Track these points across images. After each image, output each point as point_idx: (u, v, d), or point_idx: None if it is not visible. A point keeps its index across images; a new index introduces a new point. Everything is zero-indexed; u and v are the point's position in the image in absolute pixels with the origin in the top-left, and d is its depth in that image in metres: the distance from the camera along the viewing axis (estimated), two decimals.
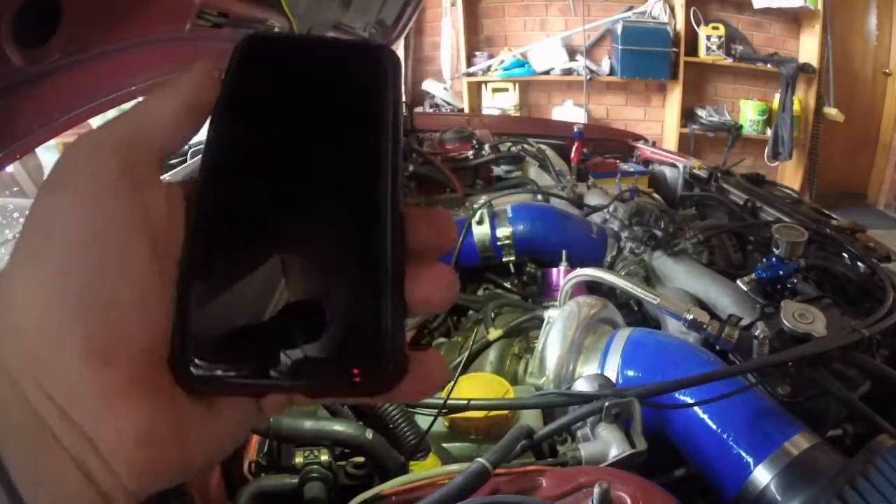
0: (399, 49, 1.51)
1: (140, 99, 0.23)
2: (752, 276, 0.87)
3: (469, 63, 3.80)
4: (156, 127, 0.22)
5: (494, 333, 0.73)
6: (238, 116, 0.23)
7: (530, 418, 0.63)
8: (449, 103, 3.77)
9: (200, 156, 0.23)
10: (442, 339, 0.90)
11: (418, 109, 3.47)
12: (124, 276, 0.19)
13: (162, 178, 0.22)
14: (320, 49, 0.24)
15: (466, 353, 0.69)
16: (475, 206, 0.99)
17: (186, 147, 1.10)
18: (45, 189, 0.20)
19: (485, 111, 3.67)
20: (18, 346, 0.18)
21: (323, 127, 0.23)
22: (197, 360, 0.19)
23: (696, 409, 0.61)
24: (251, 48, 0.23)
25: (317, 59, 0.24)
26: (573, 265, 0.97)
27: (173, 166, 0.99)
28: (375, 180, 0.22)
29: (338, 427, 0.57)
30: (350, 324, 0.20)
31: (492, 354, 0.72)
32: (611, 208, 1.14)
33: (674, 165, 1.51)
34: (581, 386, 0.60)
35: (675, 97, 3.60)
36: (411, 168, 1.29)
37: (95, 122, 0.63)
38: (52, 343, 0.18)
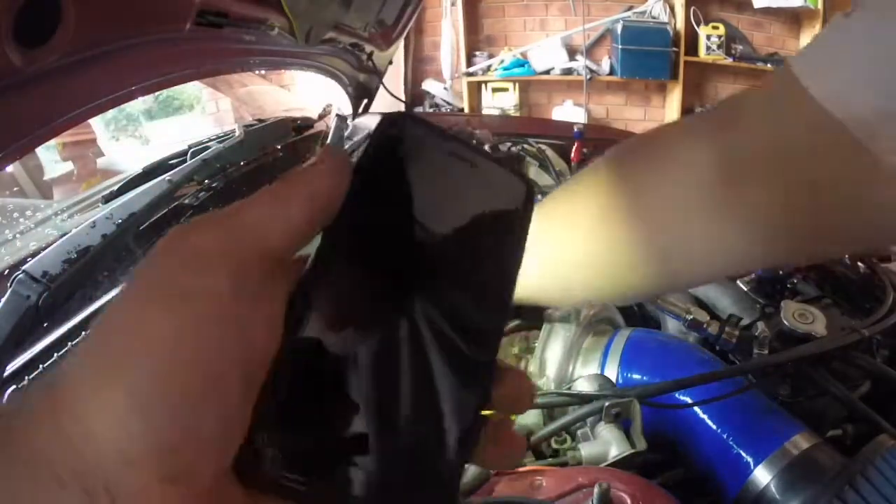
0: (399, 49, 1.51)
1: (256, 194, 0.20)
2: (752, 276, 0.87)
3: (469, 63, 3.80)
4: (277, 235, 0.20)
5: None
6: (360, 225, 0.21)
7: (530, 418, 0.63)
8: (449, 103, 3.77)
9: (310, 261, 0.21)
10: None
11: (418, 109, 3.47)
12: (212, 410, 0.18)
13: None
14: (459, 152, 0.22)
15: None
16: None
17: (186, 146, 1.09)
18: (132, 297, 0.18)
19: (485, 111, 3.67)
20: (89, 459, 0.17)
21: (449, 264, 0.21)
22: (269, 460, 0.19)
23: (696, 409, 0.61)
24: (392, 131, 0.21)
25: (451, 163, 0.21)
26: None
27: (174, 165, 0.99)
28: (483, 339, 0.21)
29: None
30: (410, 468, 0.20)
31: None
32: None
33: None
34: (581, 386, 0.60)
35: (675, 97, 3.60)
36: None
37: (96, 121, 0.63)
38: (125, 464, 0.17)
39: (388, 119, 0.21)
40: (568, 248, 0.52)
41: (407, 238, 0.21)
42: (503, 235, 0.21)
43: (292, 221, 0.20)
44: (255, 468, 0.19)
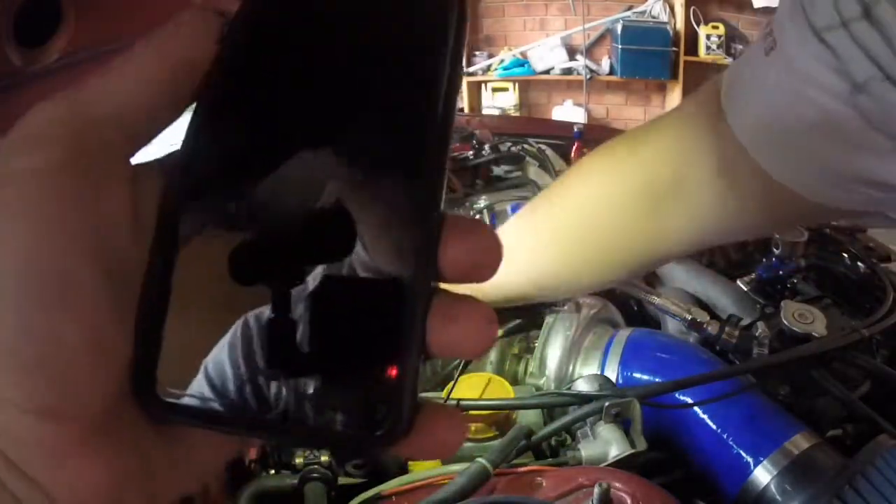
0: None
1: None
2: (752, 276, 0.87)
3: (469, 63, 3.80)
4: (123, 101, 0.17)
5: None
6: (247, 66, 0.17)
7: (530, 418, 0.63)
8: None
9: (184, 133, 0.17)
10: None
11: None
12: (68, 312, 0.15)
13: (132, 163, 0.17)
14: None
15: None
16: (475, 206, 0.99)
17: None
18: None
19: (484, 111, 3.67)
20: None
21: (356, 92, 0.17)
22: (168, 386, 0.16)
23: (696, 409, 0.61)
24: None
25: None
26: None
27: None
28: (417, 171, 0.17)
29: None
30: (351, 365, 0.17)
31: (492, 354, 0.71)
32: None
33: None
34: (581, 386, 0.60)
35: (675, 97, 3.60)
36: None
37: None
38: None
39: None
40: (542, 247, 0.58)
41: (305, 89, 0.17)
42: (433, 56, 0.17)
43: (142, 92, 0.17)
44: (151, 397, 0.16)
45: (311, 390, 0.16)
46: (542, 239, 0.59)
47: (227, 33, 0.18)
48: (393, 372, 0.16)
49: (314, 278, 0.17)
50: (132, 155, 0.17)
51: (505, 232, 0.64)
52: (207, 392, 0.17)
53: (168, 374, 0.16)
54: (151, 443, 0.17)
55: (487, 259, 0.17)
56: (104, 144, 0.16)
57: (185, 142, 0.17)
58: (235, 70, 0.17)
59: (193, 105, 0.17)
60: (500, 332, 0.73)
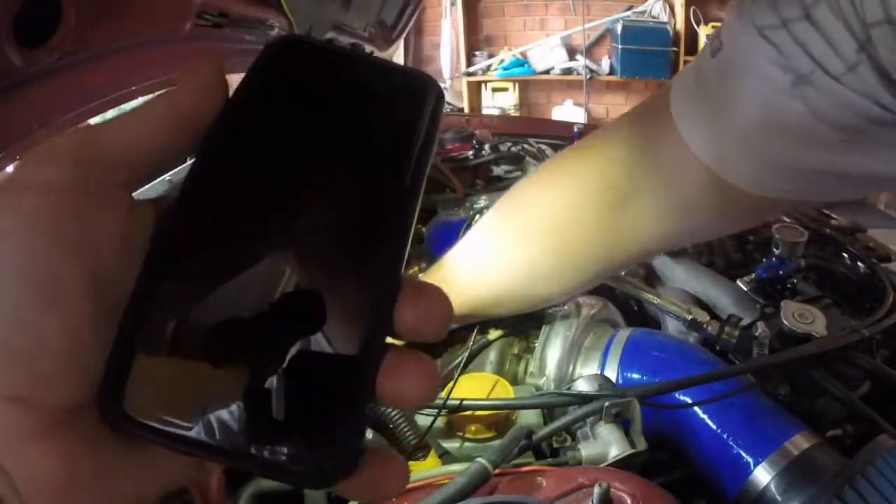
0: (399, 49, 1.51)
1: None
2: (752, 276, 0.87)
3: (469, 63, 3.80)
4: (130, 139, 0.19)
5: (494, 333, 0.73)
6: (242, 130, 0.20)
7: (530, 418, 0.63)
8: (449, 103, 3.77)
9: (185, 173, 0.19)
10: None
11: None
12: (54, 314, 0.16)
13: (132, 195, 0.19)
14: (356, 65, 0.21)
15: (466, 353, 0.69)
16: (475, 206, 0.99)
17: None
18: None
19: (485, 111, 3.67)
20: None
21: (336, 160, 0.20)
22: (131, 401, 0.17)
23: (696, 409, 0.61)
24: (279, 52, 0.20)
25: (349, 77, 0.21)
26: None
27: None
28: (379, 241, 0.19)
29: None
30: (303, 400, 0.18)
31: (492, 354, 0.71)
32: None
33: None
34: (581, 386, 0.60)
35: None
36: None
37: (95, 122, 0.63)
38: None
39: (274, 40, 0.21)
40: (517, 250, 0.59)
41: (296, 159, 0.19)
42: (415, 133, 0.20)
43: (149, 133, 0.19)
44: (113, 406, 0.17)
45: (270, 429, 0.18)
46: (501, 247, 0.60)
47: (231, 97, 0.20)
48: (343, 420, 0.18)
49: (282, 338, 0.19)
50: (133, 188, 0.19)
51: (468, 242, 0.64)
52: (169, 410, 0.18)
53: (140, 392, 0.17)
54: (113, 447, 0.18)
55: (437, 321, 0.20)
56: (108, 173, 0.18)
57: (182, 188, 0.19)
58: (230, 134, 0.19)
59: (193, 157, 0.19)
60: (500, 332, 0.73)
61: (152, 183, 0.80)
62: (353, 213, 0.20)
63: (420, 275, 0.78)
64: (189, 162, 0.20)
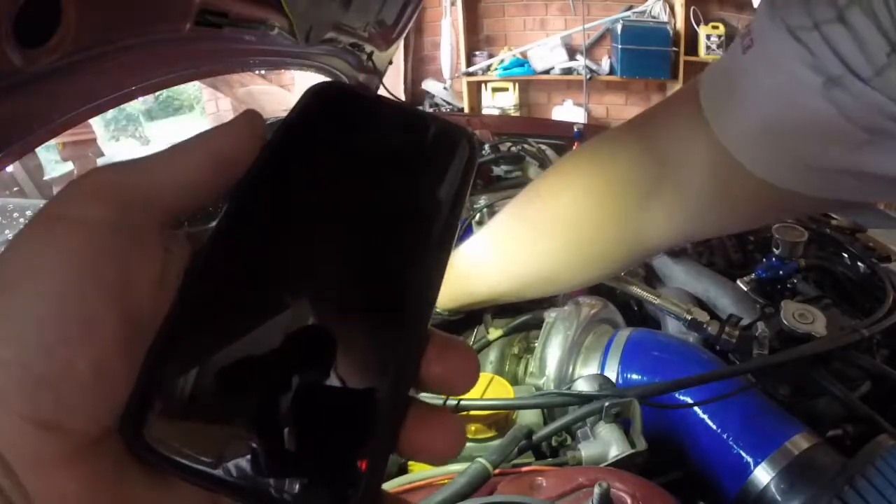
0: (399, 49, 1.51)
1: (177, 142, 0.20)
2: (752, 276, 0.87)
3: (469, 63, 3.80)
4: (169, 180, 0.19)
5: (494, 333, 0.73)
6: (276, 174, 0.20)
7: (530, 418, 0.63)
8: (449, 103, 3.77)
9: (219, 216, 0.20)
10: None
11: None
12: (85, 346, 0.17)
13: (167, 232, 0.20)
14: (393, 115, 0.21)
15: None
16: (475, 206, 0.99)
17: None
18: (29, 226, 0.18)
19: (485, 111, 3.67)
20: None
21: (368, 209, 0.20)
22: (153, 432, 0.18)
23: (695, 409, 0.61)
24: (319, 99, 0.21)
25: (387, 127, 0.21)
26: None
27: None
28: (407, 297, 0.19)
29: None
30: (324, 450, 0.19)
31: (492, 354, 0.71)
32: None
33: None
34: (581, 386, 0.60)
35: None
36: None
37: (96, 121, 0.63)
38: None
39: (314, 86, 0.21)
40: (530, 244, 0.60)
41: (328, 206, 0.20)
42: (447, 190, 0.20)
43: (187, 175, 0.20)
44: (135, 434, 0.18)
45: (288, 469, 0.18)
46: (525, 238, 0.61)
47: (269, 141, 0.20)
48: (363, 465, 0.18)
49: (306, 383, 0.19)
50: (168, 226, 0.20)
51: (491, 231, 0.65)
52: (191, 444, 0.18)
53: (162, 424, 0.18)
54: (134, 476, 0.18)
55: (465, 377, 0.20)
56: (147, 215, 0.19)
57: (214, 229, 0.19)
58: (265, 178, 0.20)
59: (227, 200, 0.20)
60: (500, 332, 0.73)
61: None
62: (382, 263, 0.20)
63: None
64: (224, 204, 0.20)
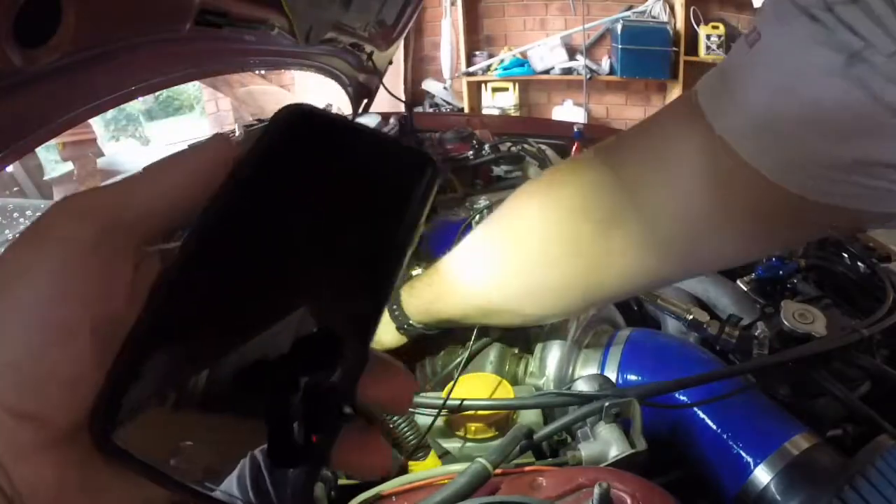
0: (399, 49, 1.51)
1: (152, 162, 0.22)
2: (752, 276, 0.87)
3: (469, 63, 3.80)
4: (144, 202, 0.21)
5: (494, 333, 0.73)
6: (242, 197, 0.21)
7: (530, 418, 0.63)
8: (449, 103, 3.77)
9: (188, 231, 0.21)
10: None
11: (418, 109, 3.47)
12: (65, 350, 0.19)
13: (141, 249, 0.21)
14: (359, 139, 0.22)
15: (466, 353, 0.69)
16: (475, 206, 0.99)
17: None
18: (19, 241, 0.20)
19: (485, 111, 3.67)
20: None
21: (328, 235, 0.21)
22: (117, 430, 0.19)
23: (696, 409, 0.61)
24: (288, 121, 0.22)
25: (352, 151, 0.22)
26: None
27: None
28: (353, 319, 0.21)
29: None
30: (274, 459, 0.20)
31: (492, 354, 0.71)
32: None
33: None
34: (581, 386, 0.60)
35: (675, 97, 3.59)
36: None
37: (96, 121, 0.63)
38: None
39: (283, 109, 0.22)
40: (542, 250, 0.56)
41: (294, 229, 0.21)
42: (404, 212, 0.21)
43: (161, 197, 0.21)
44: (100, 431, 0.19)
45: (240, 474, 0.20)
46: (500, 257, 0.60)
47: (239, 161, 0.21)
48: (301, 481, 0.20)
49: (256, 394, 0.20)
50: (143, 244, 0.21)
51: (464, 247, 0.64)
52: (149, 442, 0.20)
53: (128, 424, 0.19)
54: (101, 465, 0.20)
55: (399, 402, 0.22)
56: (123, 233, 0.21)
57: (182, 243, 0.21)
58: (233, 196, 0.21)
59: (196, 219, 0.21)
60: (500, 332, 0.73)
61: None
62: (335, 285, 0.21)
63: (416, 272, 0.78)
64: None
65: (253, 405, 0.20)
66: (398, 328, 0.70)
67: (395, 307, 0.69)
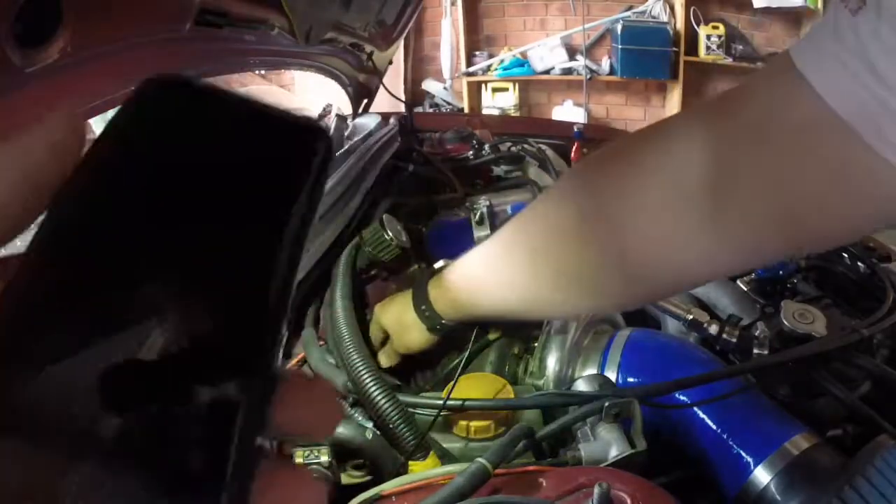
0: (399, 49, 1.51)
1: None
2: (752, 276, 0.87)
3: (469, 63, 3.80)
4: None
5: (494, 333, 0.73)
6: (101, 180, 0.17)
7: (530, 418, 0.63)
8: (449, 103, 3.77)
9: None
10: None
11: (418, 109, 3.47)
12: None
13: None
14: (233, 109, 0.18)
15: (466, 353, 0.69)
16: (475, 206, 0.99)
17: None
18: None
19: (485, 111, 3.67)
20: None
21: (204, 213, 0.18)
22: None
23: (695, 409, 0.61)
24: (150, 95, 0.18)
25: (226, 123, 0.18)
26: None
27: None
28: (248, 317, 0.17)
29: (337, 427, 0.57)
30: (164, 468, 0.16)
31: (492, 354, 0.71)
32: None
33: None
34: (581, 386, 0.60)
35: (675, 97, 3.60)
36: (411, 167, 1.29)
37: (96, 121, 0.63)
38: None
39: (144, 80, 0.18)
40: (543, 257, 0.57)
41: (158, 217, 0.17)
42: (292, 195, 0.18)
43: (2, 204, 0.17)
44: None
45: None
46: (522, 255, 0.59)
47: (90, 149, 0.18)
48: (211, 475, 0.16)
49: (124, 414, 0.17)
50: None
51: (496, 241, 0.64)
52: None
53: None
54: None
55: (325, 425, 0.19)
56: None
57: (28, 246, 0.17)
58: (89, 185, 0.17)
59: (46, 212, 0.18)
60: (499, 332, 0.73)
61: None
62: (216, 277, 0.17)
63: (418, 270, 0.78)
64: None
65: (126, 424, 0.16)
66: (430, 329, 0.69)
67: (423, 307, 0.68)
